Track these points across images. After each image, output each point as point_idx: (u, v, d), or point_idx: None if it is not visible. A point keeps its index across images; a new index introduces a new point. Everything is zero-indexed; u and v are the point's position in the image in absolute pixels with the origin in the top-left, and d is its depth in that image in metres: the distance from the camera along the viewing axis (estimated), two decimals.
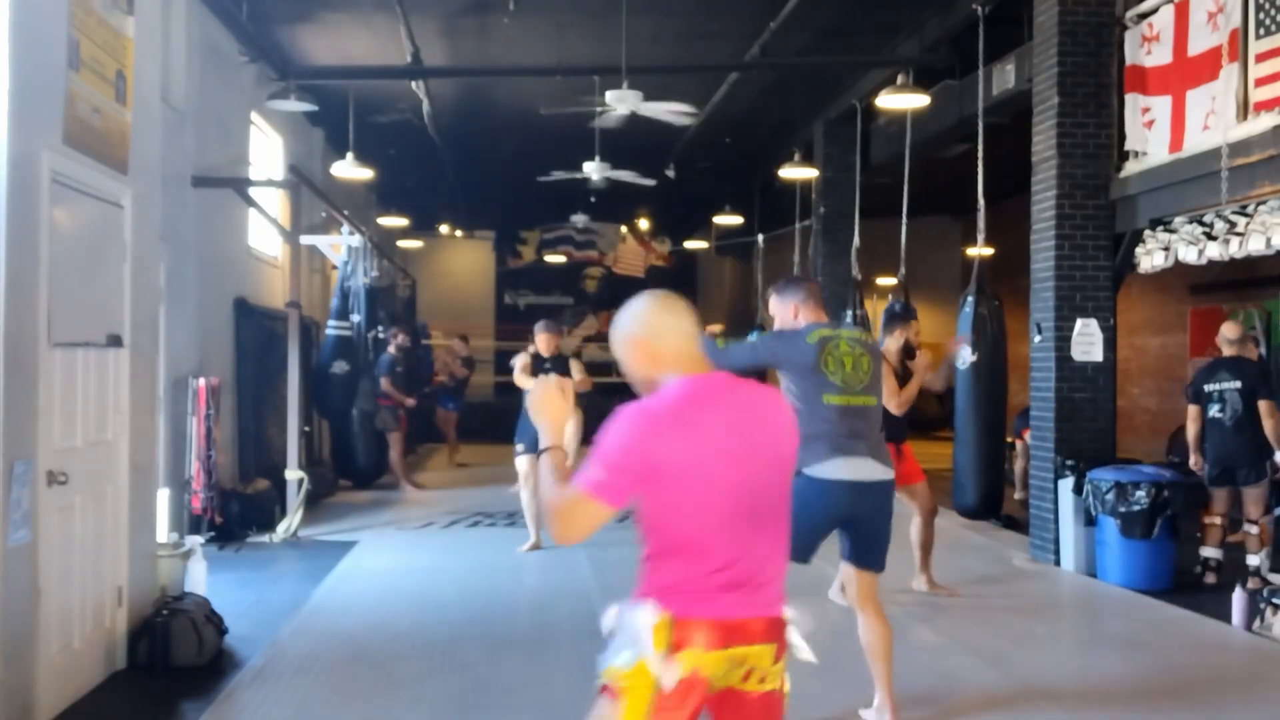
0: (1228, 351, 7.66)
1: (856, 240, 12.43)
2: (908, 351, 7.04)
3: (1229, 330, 7.81)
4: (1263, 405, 7.28)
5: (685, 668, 2.43)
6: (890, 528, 4.70)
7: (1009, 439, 11.58)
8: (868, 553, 4.63)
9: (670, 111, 9.56)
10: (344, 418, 11.99)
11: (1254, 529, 7.38)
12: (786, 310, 4.77)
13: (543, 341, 8.52)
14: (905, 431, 6.96)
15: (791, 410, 2.74)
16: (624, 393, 2.67)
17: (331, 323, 11.97)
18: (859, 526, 4.60)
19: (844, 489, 4.53)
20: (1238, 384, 7.42)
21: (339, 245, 12.17)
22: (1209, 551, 7.60)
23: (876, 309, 14.06)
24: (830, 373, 4.58)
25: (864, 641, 4.67)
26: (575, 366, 8.69)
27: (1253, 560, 7.23)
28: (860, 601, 4.64)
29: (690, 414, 2.49)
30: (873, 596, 4.64)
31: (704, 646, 2.45)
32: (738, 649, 2.51)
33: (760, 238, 17.32)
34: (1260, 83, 6.43)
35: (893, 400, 6.62)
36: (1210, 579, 7.50)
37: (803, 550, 4.44)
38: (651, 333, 2.62)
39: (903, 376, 6.78)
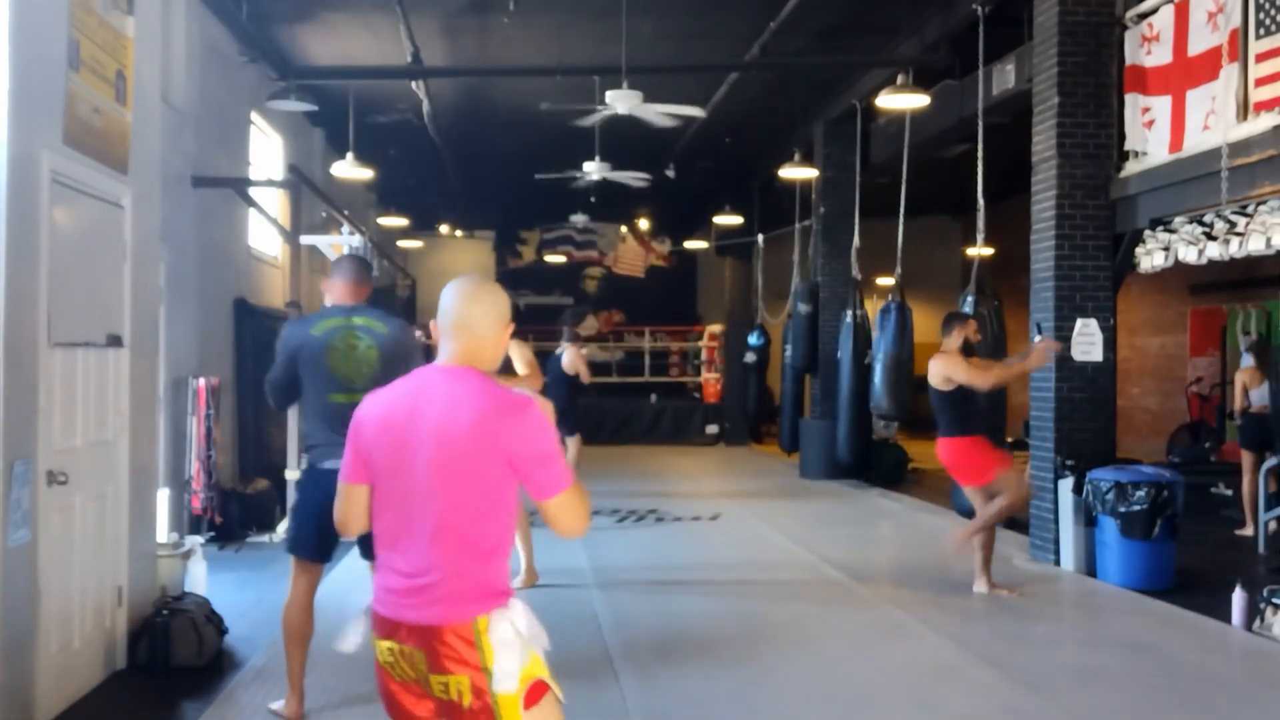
0: None
1: (856, 240, 12.43)
2: (967, 349, 7.11)
3: None
4: None
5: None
6: None
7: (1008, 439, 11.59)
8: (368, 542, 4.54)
9: (668, 114, 9.56)
10: None
11: None
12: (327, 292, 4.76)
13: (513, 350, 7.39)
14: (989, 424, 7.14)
15: (498, 407, 2.52)
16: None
17: None
18: None
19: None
20: None
21: (339, 245, 12.17)
22: None
23: (877, 309, 14.05)
24: (334, 368, 4.52)
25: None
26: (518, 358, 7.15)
27: None
28: None
29: (392, 410, 2.58)
30: None
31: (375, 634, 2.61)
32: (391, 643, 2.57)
33: (760, 238, 17.32)
34: (1260, 83, 6.43)
35: (979, 378, 6.85)
36: None
37: (316, 547, 4.56)
38: (439, 311, 2.66)
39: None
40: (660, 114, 9.48)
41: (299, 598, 4.70)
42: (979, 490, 7.04)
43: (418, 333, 12.29)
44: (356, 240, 12.17)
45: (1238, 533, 9.61)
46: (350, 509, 2.67)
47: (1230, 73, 6.64)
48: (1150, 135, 7.57)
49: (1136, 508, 7.28)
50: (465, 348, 2.60)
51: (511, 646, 2.49)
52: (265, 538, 8.98)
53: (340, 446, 4.51)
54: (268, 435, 10.76)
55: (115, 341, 5.30)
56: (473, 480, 2.50)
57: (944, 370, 6.93)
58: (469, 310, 2.61)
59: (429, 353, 11.63)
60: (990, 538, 7.11)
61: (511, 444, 2.49)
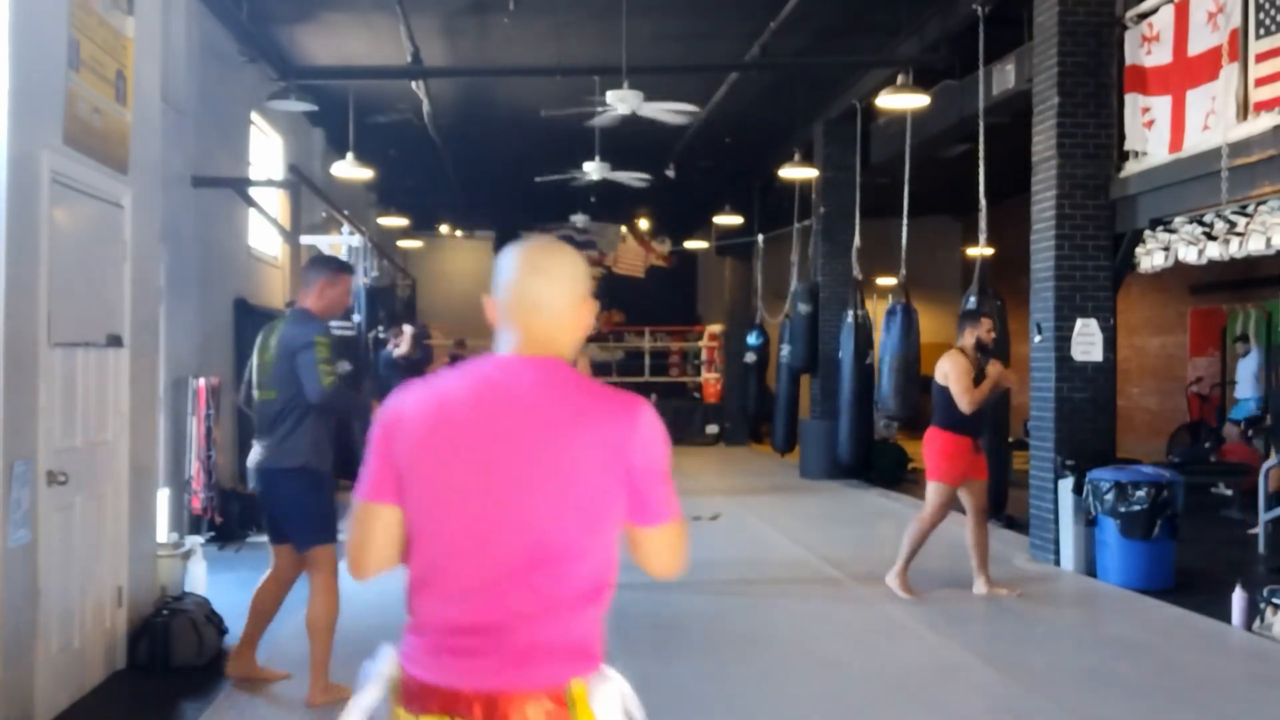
0: None
1: (857, 240, 12.43)
2: (981, 349, 7.11)
3: None
4: None
5: None
6: (291, 510, 5.02)
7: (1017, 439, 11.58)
8: (274, 529, 5.15)
9: (668, 110, 9.56)
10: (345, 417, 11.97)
11: None
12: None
13: None
14: (984, 428, 7.15)
15: (627, 423, 1.94)
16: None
17: (333, 323, 11.94)
18: (266, 506, 5.16)
19: (250, 473, 5.08)
20: None
21: (339, 245, 12.18)
22: None
23: (877, 309, 14.08)
24: (257, 365, 5.05)
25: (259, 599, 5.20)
26: None
27: None
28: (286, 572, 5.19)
29: (449, 408, 1.95)
30: (293, 568, 5.09)
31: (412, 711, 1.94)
32: None
33: (760, 238, 17.32)
34: (1260, 83, 6.43)
35: (963, 399, 6.81)
36: None
37: (270, 534, 5.20)
38: (495, 285, 2.07)
39: (978, 375, 6.95)
40: (662, 110, 9.47)
41: (265, 578, 5.21)
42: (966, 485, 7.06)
43: (397, 340, 12.16)
44: (356, 240, 12.19)
45: (1250, 532, 9.45)
46: (370, 537, 1.99)
47: (1230, 73, 6.64)
48: (1150, 135, 7.57)
49: (1136, 508, 7.28)
50: (534, 333, 2.00)
51: None
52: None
53: (258, 445, 4.90)
54: None
55: (115, 341, 5.30)
56: (574, 499, 1.89)
57: (945, 369, 6.97)
58: (536, 285, 2.01)
59: (413, 365, 11.51)
60: (983, 538, 7.09)
61: (630, 453, 1.91)
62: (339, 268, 5.24)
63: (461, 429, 1.92)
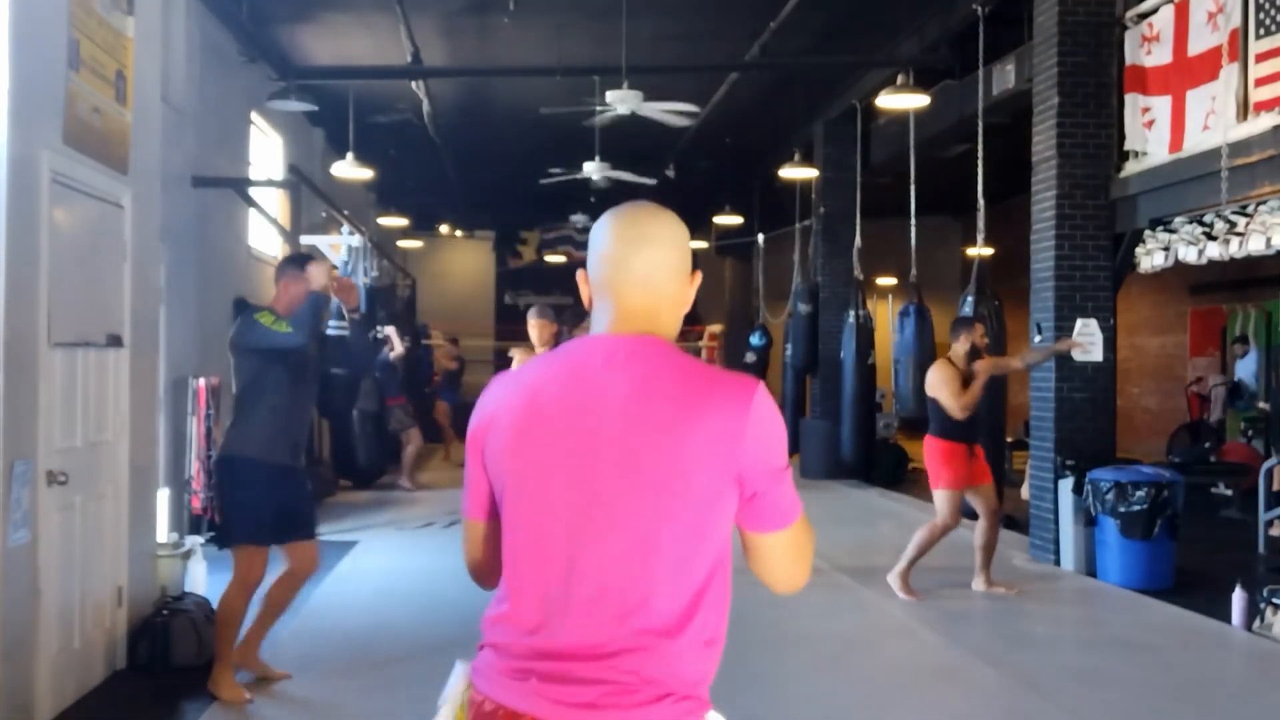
0: None
1: (858, 240, 12.44)
2: (974, 354, 7.15)
3: None
4: None
5: None
6: (227, 503, 5.16)
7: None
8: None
9: (668, 111, 9.56)
10: (345, 417, 11.99)
11: None
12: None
13: (535, 329, 7.04)
14: (979, 432, 7.19)
15: (745, 413, 1.69)
16: None
17: (331, 323, 11.94)
18: None
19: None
20: None
21: (339, 245, 12.17)
22: None
23: (877, 309, 14.08)
24: None
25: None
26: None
27: None
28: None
29: (539, 403, 1.73)
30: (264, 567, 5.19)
31: None
32: None
33: (760, 238, 17.33)
34: (1260, 83, 6.43)
35: (953, 404, 6.84)
36: None
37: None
38: (591, 257, 1.84)
39: (970, 380, 6.98)
40: (663, 111, 9.47)
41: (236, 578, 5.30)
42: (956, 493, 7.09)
43: (391, 346, 12.09)
44: (356, 240, 12.18)
45: None
46: (479, 552, 1.87)
47: (1230, 73, 6.65)
48: (1150, 135, 7.57)
49: (1136, 508, 7.29)
50: (632, 310, 1.78)
51: None
52: None
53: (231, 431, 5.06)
54: None
55: (115, 341, 5.30)
56: (680, 503, 1.67)
57: (931, 380, 7.03)
58: (636, 257, 1.79)
59: (410, 366, 11.35)
60: (992, 539, 7.13)
61: (743, 447, 1.67)
62: (303, 265, 5.19)
63: (553, 427, 1.70)
